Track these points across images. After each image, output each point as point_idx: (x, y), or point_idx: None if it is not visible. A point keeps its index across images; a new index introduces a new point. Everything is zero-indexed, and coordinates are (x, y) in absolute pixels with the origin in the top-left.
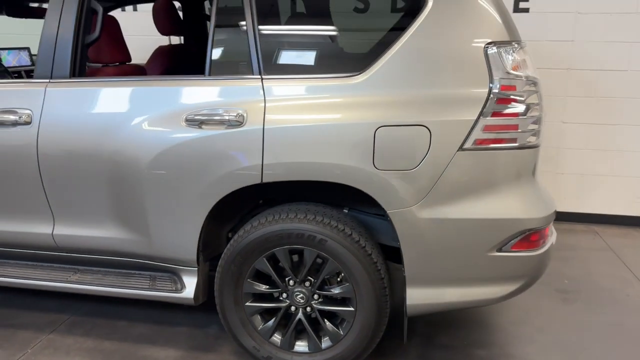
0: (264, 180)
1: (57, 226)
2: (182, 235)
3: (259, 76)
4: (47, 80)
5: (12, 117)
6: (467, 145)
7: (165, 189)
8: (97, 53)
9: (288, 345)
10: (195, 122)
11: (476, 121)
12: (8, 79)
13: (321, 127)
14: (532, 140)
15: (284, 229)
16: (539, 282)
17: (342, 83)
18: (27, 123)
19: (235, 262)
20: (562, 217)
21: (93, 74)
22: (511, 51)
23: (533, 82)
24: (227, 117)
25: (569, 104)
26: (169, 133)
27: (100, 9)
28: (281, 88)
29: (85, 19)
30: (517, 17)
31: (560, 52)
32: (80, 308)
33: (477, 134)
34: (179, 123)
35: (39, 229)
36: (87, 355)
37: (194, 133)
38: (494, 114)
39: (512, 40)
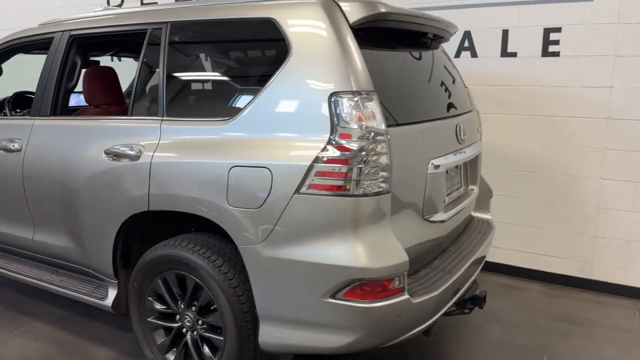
0: (151, 209)
1: (35, 233)
2: (101, 250)
3: (160, 118)
4: (36, 117)
5: (11, 145)
6: (303, 189)
7: (90, 209)
8: (90, 96)
9: None
10: (111, 155)
11: (310, 166)
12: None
13: (191, 163)
14: (381, 187)
15: (169, 254)
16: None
17: (216, 126)
18: (19, 150)
19: (137, 280)
20: (601, 288)
21: (81, 113)
22: (355, 101)
23: (376, 133)
24: (130, 152)
25: (608, 158)
26: (94, 162)
27: (79, 63)
28: (172, 129)
29: (68, 70)
30: (546, 62)
31: (597, 100)
32: (74, 305)
33: (312, 179)
34: (101, 155)
35: (26, 234)
36: (49, 343)
37: (110, 164)
38: (328, 161)
39: (358, 90)
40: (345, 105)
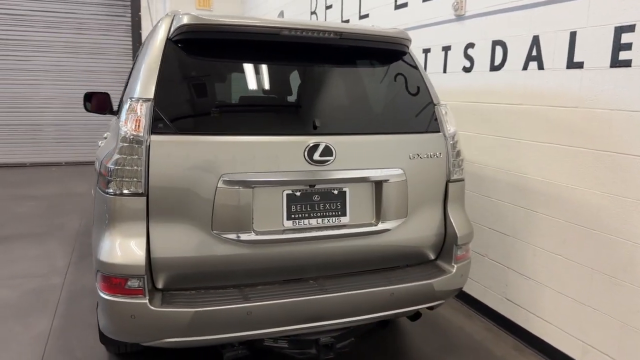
0: None
1: None
2: None
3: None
4: None
5: None
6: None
7: None
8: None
9: None
10: None
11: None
12: None
13: None
14: (134, 190)
15: None
16: None
17: None
18: None
19: None
20: None
21: None
22: (130, 106)
23: (135, 137)
24: None
25: None
26: None
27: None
28: None
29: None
30: (614, 75)
31: None
32: None
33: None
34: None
35: None
36: None
37: None
38: (106, 160)
39: (137, 97)
40: (124, 109)
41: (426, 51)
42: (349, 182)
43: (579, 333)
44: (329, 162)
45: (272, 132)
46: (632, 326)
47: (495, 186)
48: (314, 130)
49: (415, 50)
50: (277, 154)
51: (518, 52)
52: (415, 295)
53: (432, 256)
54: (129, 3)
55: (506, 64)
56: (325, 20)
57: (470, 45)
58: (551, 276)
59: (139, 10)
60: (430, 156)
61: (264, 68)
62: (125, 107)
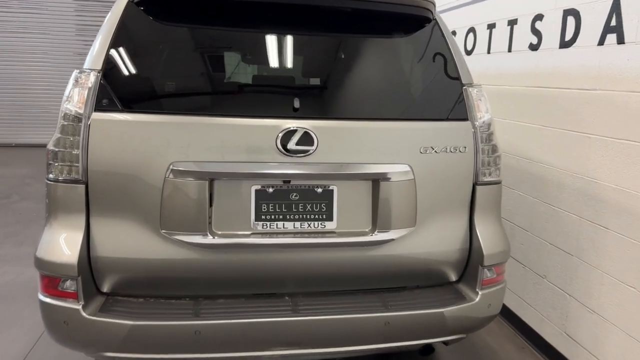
0: None
1: None
2: None
3: None
4: None
5: None
6: None
7: None
8: None
9: None
10: None
11: None
12: None
13: None
14: (70, 176)
15: None
16: None
17: None
18: None
19: None
20: None
21: None
22: (76, 79)
23: (75, 115)
24: None
25: None
26: None
27: None
28: None
29: None
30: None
31: None
32: None
33: None
34: None
35: None
36: None
37: None
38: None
39: (86, 68)
40: (70, 81)
41: (491, 27)
42: (337, 178)
43: None
44: (308, 153)
45: (238, 112)
46: None
47: (559, 192)
48: (294, 113)
49: (480, 26)
50: (244, 140)
51: (593, 22)
52: (419, 326)
53: (452, 277)
54: None
55: (579, 38)
56: None
57: (539, 17)
58: (622, 313)
59: None
60: (450, 150)
61: (235, 37)
62: (70, 79)
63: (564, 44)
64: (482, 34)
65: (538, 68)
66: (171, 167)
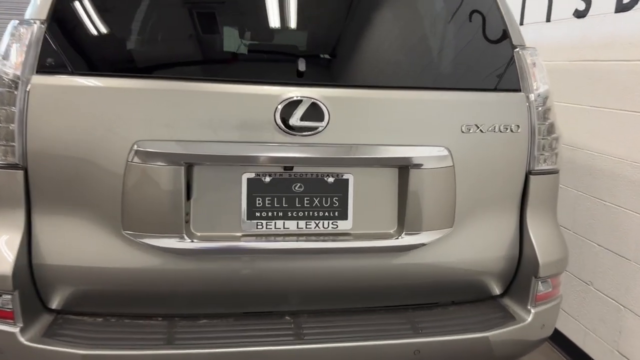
0: None
1: None
2: None
3: None
4: None
5: None
6: None
7: None
8: None
9: None
10: None
11: None
12: None
13: None
14: (5, 159)
15: None
16: None
17: None
18: None
19: None
20: None
21: None
22: (13, 32)
23: (11, 80)
24: None
25: None
26: None
27: None
28: None
29: None
30: None
31: None
32: None
33: None
34: None
35: None
36: None
37: None
38: None
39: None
40: (6, 34)
41: None
42: (354, 164)
43: None
44: (317, 131)
45: (224, 77)
46: None
47: (612, 185)
48: (298, 78)
49: None
50: (232, 114)
51: None
52: (458, 355)
53: (495, 290)
54: None
55: None
56: None
57: None
58: None
59: None
60: (500, 129)
61: None
62: (6, 32)
63: (623, 7)
64: (514, 2)
65: (586, 38)
66: (135, 147)
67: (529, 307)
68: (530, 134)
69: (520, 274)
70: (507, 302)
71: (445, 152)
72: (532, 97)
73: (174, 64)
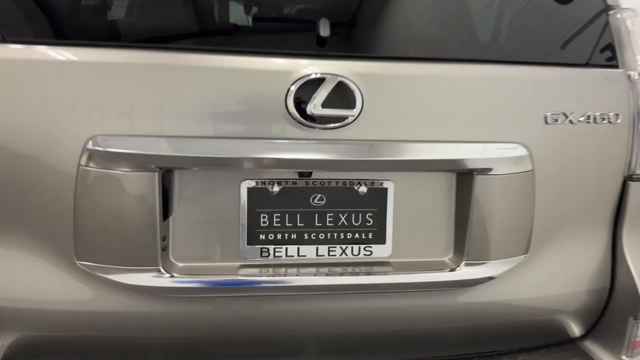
0: None
1: None
2: None
3: None
4: None
5: None
6: None
7: None
8: None
9: None
10: None
11: None
12: None
13: None
14: None
15: None
16: None
17: None
18: None
19: None
20: None
21: None
22: None
23: None
24: None
25: None
26: None
27: None
28: None
29: None
30: None
31: None
32: None
33: None
34: None
35: None
36: None
37: None
38: None
39: None
40: None
41: None
42: (396, 169)
43: None
44: (346, 122)
45: (216, 46)
46: None
47: None
48: (318, 48)
49: None
50: (227, 97)
51: None
52: None
53: (575, 331)
54: None
55: None
56: None
57: None
58: None
59: None
60: (595, 120)
61: None
62: None
63: None
64: None
65: None
66: (89, 145)
67: (622, 357)
68: (633, 125)
69: (611, 310)
70: (591, 346)
71: (524, 152)
72: (634, 75)
73: (142, 27)
